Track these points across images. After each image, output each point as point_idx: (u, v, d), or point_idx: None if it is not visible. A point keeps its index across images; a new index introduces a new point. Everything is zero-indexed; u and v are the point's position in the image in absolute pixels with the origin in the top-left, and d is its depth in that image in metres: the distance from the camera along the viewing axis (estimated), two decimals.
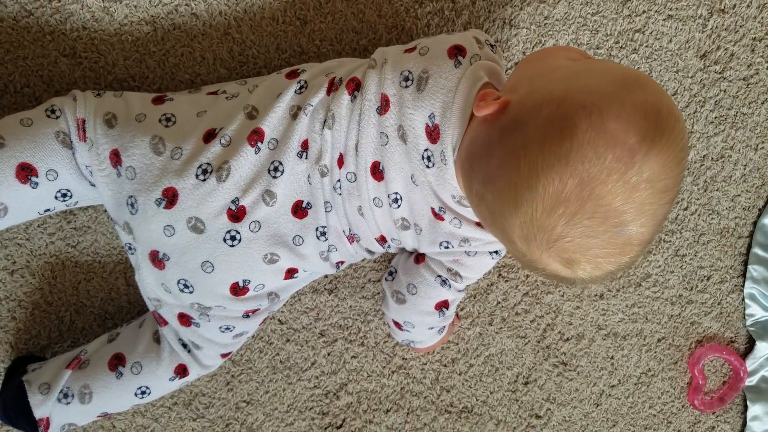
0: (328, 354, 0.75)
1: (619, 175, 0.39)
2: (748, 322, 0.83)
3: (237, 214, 0.53)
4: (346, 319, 0.75)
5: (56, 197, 0.56)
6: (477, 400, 0.79)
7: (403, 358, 0.77)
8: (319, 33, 0.67)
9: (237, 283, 0.56)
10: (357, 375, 0.76)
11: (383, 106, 0.53)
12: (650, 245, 0.49)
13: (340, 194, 0.55)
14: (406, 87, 0.52)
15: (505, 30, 0.70)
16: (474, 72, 0.50)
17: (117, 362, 0.60)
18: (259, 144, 0.53)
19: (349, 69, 0.56)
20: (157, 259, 0.56)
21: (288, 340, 0.74)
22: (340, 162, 0.55)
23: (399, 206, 0.55)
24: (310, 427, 0.76)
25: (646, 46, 0.73)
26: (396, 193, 0.54)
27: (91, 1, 0.63)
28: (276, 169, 0.54)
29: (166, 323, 0.61)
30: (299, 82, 0.55)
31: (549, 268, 0.44)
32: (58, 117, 0.55)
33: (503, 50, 0.71)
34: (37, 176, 0.54)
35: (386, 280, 0.66)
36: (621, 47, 0.73)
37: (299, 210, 0.55)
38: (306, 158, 0.54)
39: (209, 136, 0.54)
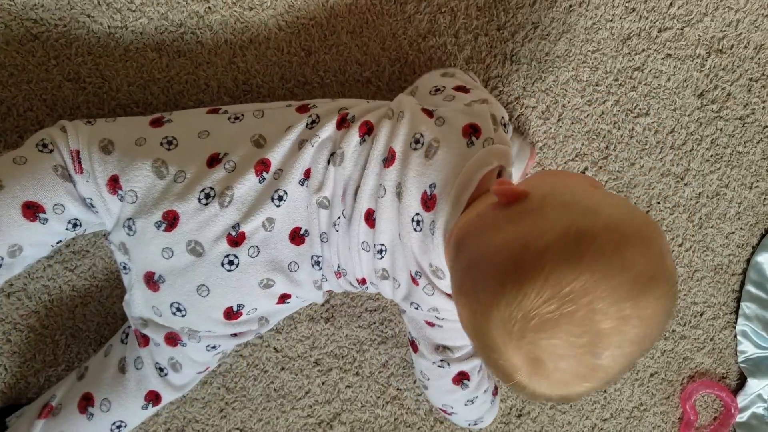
0: (323, 383, 0.75)
1: (620, 301, 0.38)
2: (740, 359, 0.84)
3: (236, 239, 0.53)
4: (341, 348, 0.75)
5: (67, 228, 0.55)
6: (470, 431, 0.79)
7: (397, 389, 0.77)
8: (323, 64, 0.67)
9: (231, 307, 0.56)
10: (351, 405, 0.76)
11: (389, 159, 0.53)
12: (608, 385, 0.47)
13: (338, 231, 0.56)
14: (415, 150, 0.52)
15: (506, 65, 0.71)
16: (485, 157, 0.50)
17: (86, 403, 0.59)
18: (264, 174, 0.54)
19: (363, 109, 0.57)
20: (151, 281, 0.55)
21: (283, 369, 0.74)
22: (342, 197, 0.55)
23: (382, 257, 0.55)
24: None
25: (645, 84, 0.74)
26: (382, 245, 0.55)
27: (96, 26, 0.64)
28: (280, 198, 0.54)
29: (146, 344, 0.60)
30: (311, 116, 0.56)
31: (510, 361, 0.40)
32: (51, 151, 0.54)
33: (504, 86, 0.72)
34: (44, 212, 0.53)
35: (421, 372, 0.66)
36: (620, 84, 0.74)
37: (297, 237, 0.55)
38: (306, 186, 0.54)
39: (213, 161, 0.53)
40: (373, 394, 0.76)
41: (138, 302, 0.57)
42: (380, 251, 0.55)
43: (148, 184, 0.53)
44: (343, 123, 0.55)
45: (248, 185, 0.53)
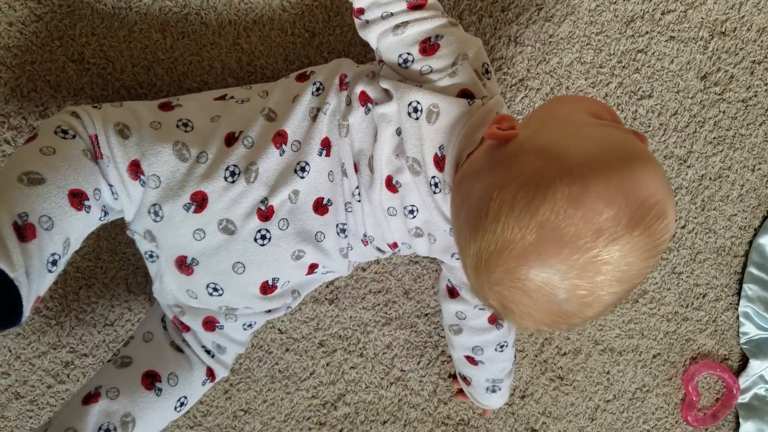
0: (327, 364, 0.75)
1: (572, 253, 0.39)
2: (742, 340, 0.84)
3: (266, 213, 0.54)
4: (345, 330, 0.75)
5: (100, 218, 0.53)
6: (474, 413, 0.79)
7: (401, 370, 0.77)
8: (327, 45, 0.67)
9: (267, 281, 0.57)
10: (355, 386, 0.76)
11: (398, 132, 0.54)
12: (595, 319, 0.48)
13: (359, 201, 0.56)
14: (416, 119, 0.52)
15: (510, 47, 0.71)
16: (485, 113, 0.51)
17: (152, 380, 0.57)
18: (283, 146, 0.54)
19: (358, 72, 0.57)
20: (184, 265, 0.55)
21: (287, 350, 0.74)
22: (355, 169, 0.56)
23: (414, 217, 0.56)
24: None
25: (648, 66, 0.74)
26: (413, 206, 0.56)
27: (101, 7, 0.63)
28: (303, 169, 0.54)
29: (188, 329, 0.60)
30: (315, 84, 0.56)
31: (490, 303, 0.44)
32: (74, 136, 0.51)
33: (508, 67, 0.72)
34: (88, 200, 0.50)
35: (444, 320, 0.68)
36: (624, 67, 0.74)
37: (320, 207, 0.56)
38: (327, 156, 0.55)
39: (230, 140, 0.53)
40: (377, 375, 0.76)
41: (170, 288, 0.57)
42: (411, 211, 0.56)
43: (171, 168, 0.52)
44: (342, 85, 0.55)
45: (271, 159, 0.53)
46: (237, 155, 0.53)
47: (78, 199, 0.49)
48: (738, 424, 0.86)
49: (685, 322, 0.82)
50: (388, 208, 0.56)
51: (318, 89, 0.56)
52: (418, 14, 0.53)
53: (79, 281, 0.69)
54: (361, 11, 0.54)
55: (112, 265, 0.69)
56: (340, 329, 0.75)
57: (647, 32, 0.74)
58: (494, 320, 0.64)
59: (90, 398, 0.55)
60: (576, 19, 0.72)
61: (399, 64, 0.54)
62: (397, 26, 0.53)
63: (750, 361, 0.84)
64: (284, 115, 0.55)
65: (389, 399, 0.77)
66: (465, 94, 0.52)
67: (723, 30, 0.75)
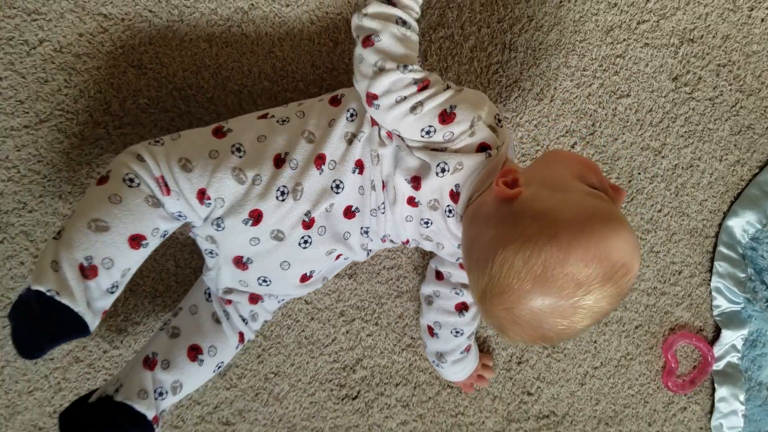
0: (347, 332, 0.85)
1: (557, 300, 0.50)
2: (715, 313, 0.93)
3: (309, 223, 0.64)
4: (363, 301, 0.85)
5: (159, 241, 0.64)
6: None
7: (411, 338, 0.87)
8: (348, 53, 0.78)
9: (305, 273, 0.68)
10: (371, 351, 0.86)
11: (416, 183, 0.64)
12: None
13: (383, 212, 0.66)
14: (442, 176, 0.61)
15: (505, 53, 0.82)
16: (497, 163, 0.61)
17: (195, 352, 0.68)
18: (323, 166, 0.62)
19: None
20: (240, 263, 0.65)
21: (312, 319, 0.84)
22: (383, 187, 0.65)
23: (428, 227, 0.66)
24: (329, 397, 0.86)
25: (626, 70, 0.85)
26: (428, 219, 0.65)
27: (157, 20, 0.74)
28: (338, 187, 0.63)
29: (230, 303, 0.71)
30: (348, 110, 0.64)
31: (489, 323, 0.56)
32: (139, 185, 0.60)
33: (503, 70, 0.82)
34: (146, 239, 0.60)
35: (422, 289, 0.80)
36: (604, 70, 0.84)
37: (349, 212, 0.66)
38: (360, 174, 0.64)
39: (279, 161, 0.62)
40: (390, 342, 0.86)
41: (225, 278, 0.67)
42: (426, 223, 0.66)
43: (232, 191, 0.61)
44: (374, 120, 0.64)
45: (313, 179, 0.62)
46: (285, 177, 0.61)
47: (137, 241, 0.60)
48: (714, 389, 0.94)
49: (663, 297, 0.92)
50: (407, 216, 0.66)
51: (352, 115, 0.64)
52: (428, 92, 0.60)
53: None
54: (375, 97, 0.60)
55: (161, 245, 0.79)
56: (357, 301, 0.85)
57: (625, 39, 0.84)
58: (460, 308, 0.76)
59: (148, 362, 0.66)
60: (562, 28, 0.82)
61: (422, 135, 0.61)
62: (414, 107, 0.59)
63: (722, 331, 0.92)
64: (323, 138, 0.63)
65: (401, 363, 0.87)
66: (483, 147, 0.61)
67: (691, 37, 0.86)
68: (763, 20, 0.86)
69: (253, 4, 0.75)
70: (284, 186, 0.62)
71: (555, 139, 0.85)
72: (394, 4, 0.60)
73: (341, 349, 0.85)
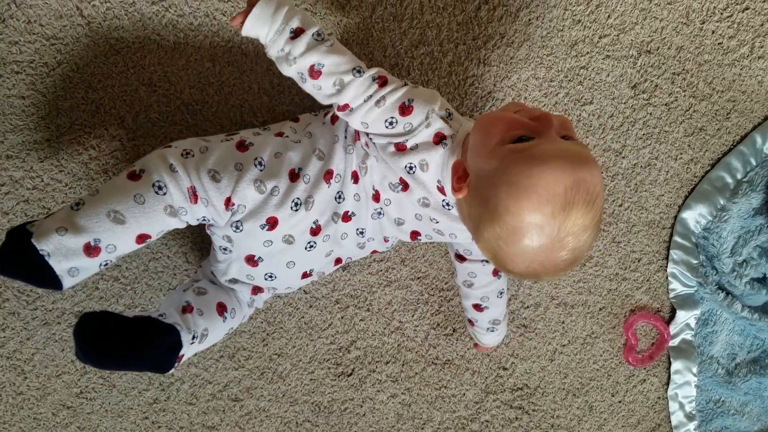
0: (342, 317, 0.95)
1: (544, 243, 0.56)
2: (671, 295, 1.02)
3: (316, 230, 0.72)
4: (356, 290, 0.95)
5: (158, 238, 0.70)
6: (457, 354, 0.99)
7: (399, 321, 0.97)
8: None
9: (306, 271, 0.77)
10: (364, 334, 0.96)
11: (402, 184, 0.71)
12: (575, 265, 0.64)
13: (380, 216, 0.75)
14: (414, 174, 0.69)
15: (480, 67, 0.90)
16: (454, 148, 0.67)
17: (221, 309, 0.75)
18: (331, 180, 0.71)
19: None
20: (252, 260, 0.73)
21: (311, 306, 0.94)
22: (375, 197, 0.73)
23: (438, 223, 0.73)
24: (326, 375, 0.96)
25: (589, 80, 0.93)
26: (434, 217, 0.73)
27: (164, 42, 0.82)
28: (340, 197, 0.72)
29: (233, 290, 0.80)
30: (345, 126, 0.73)
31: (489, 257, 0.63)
32: (165, 194, 0.65)
33: (478, 83, 0.91)
34: (150, 238, 0.67)
35: (456, 280, 0.87)
36: (569, 80, 0.93)
37: (346, 217, 0.74)
38: (355, 183, 0.73)
39: (293, 176, 0.70)
40: (381, 326, 0.96)
41: (233, 271, 0.75)
42: (433, 219, 0.73)
43: (253, 199, 0.68)
44: (357, 135, 0.72)
45: (323, 192, 0.70)
46: (299, 190, 0.69)
47: (142, 239, 0.67)
48: (670, 363, 1.04)
49: (624, 282, 1.02)
50: (416, 214, 0.73)
51: (346, 129, 0.73)
52: (389, 88, 0.67)
53: (149, 255, 0.88)
54: (347, 106, 0.68)
55: (174, 242, 0.88)
56: (351, 290, 0.95)
57: (588, 52, 0.93)
58: (496, 273, 0.84)
59: (185, 309, 0.72)
60: (531, 43, 0.91)
61: (386, 126, 0.68)
62: (378, 101, 0.67)
63: (677, 312, 1.02)
64: (330, 155, 0.71)
65: (390, 344, 0.97)
66: (440, 136, 0.68)
67: (648, 49, 0.94)
68: (713, 32, 0.94)
69: None
70: (298, 198, 0.70)
71: None
72: (300, 33, 0.66)
73: (337, 332, 0.95)
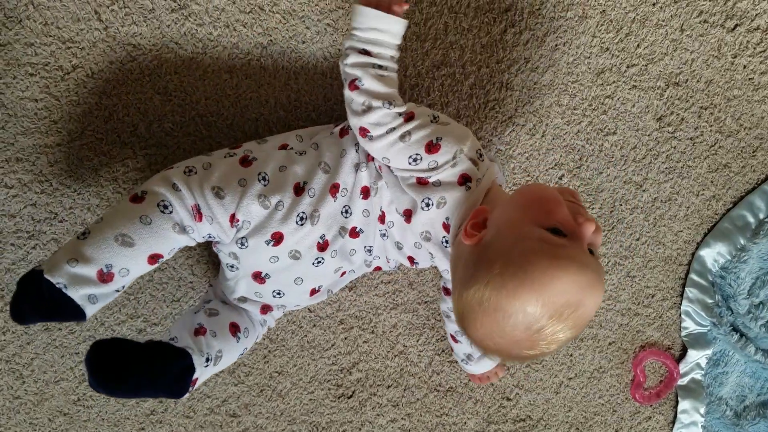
0: (345, 338, 0.94)
1: (514, 335, 0.56)
2: (683, 333, 1.00)
3: (323, 245, 0.71)
4: (361, 311, 0.93)
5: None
6: (460, 382, 0.97)
7: (404, 346, 0.95)
8: None
9: (314, 288, 0.76)
10: (366, 356, 0.94)
11: (407, 217, 0.70)
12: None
13: (387, 237, 0.74)
14: (428, 210, 0.67)
15: (502, 91, 0.88)
16: (478, 196, 0.66)
17: (235, 329, 0.74)
18: (337, 194, 0.69)
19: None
20: (259, 277, 0.72)
21: (314, 325, 0.92)
22: (381, 218, 0.72)
23: (433, 258, 0.73)
24: (326, 395, 0.95)
25: (614, 109, 0.91)
26: (431, 253, 0.72)
27: (182, 52, 0.80)
28: (347, 211, 0.71)
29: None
30: (356, 141, 0.71)
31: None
32: (171, 212, 0.65)
33: (500, 107, 0.89)
34: (162, 257, 0.67)
35: (440, 306, 0.87)
36: (593, 109, 0.91)
37: (354, 233, 0.73)
38: (364, 199, 0.71)
39: (298, 189, 0.69)
40: (384, 349, 0.95)
41: (241, 289, 0.74)
42: (431, 254, 0.72)
43: (258, 214, 0.67)
44: (369, 156, 0.70)
45: (328, 206, 0.69)
46: (304, 204, 0.68)
47: (155, 259, 0.67)
48: (677, 402, 1.02)
49: (636, 317, 1.00)
50: (415, 243, 0.72)
51: (357, 144, 0.71)
52: (414, 123, 0.66)
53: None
54: (367, 130, 0.67)
55: (180, 254, 0.87)
56: (356, 311, 0.93)
57: (614, 81, 0.90)
58: None
59: (198, 331, 0.71)
60: (556, 70, 0.88)
61: (409, 162, 0.67)
62: (403, 136, 0.66)
63: (689, 350, 1.00)
64: (336, 168, 0.70)
65: (393, 368, 0.95)
66: (464, 177, 0.66)
67: (677, 81, 0.91)
68: (745, 67, 0.92)
69: (272, 40, 0.81)
70: (303, 212, 0.69)
71: (544, 171, 0.92)
72: (368, 53, 0.67)
73: (339, 353, 0.94)
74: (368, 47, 0.67)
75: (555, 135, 0.90)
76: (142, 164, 0.82)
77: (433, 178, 0.67)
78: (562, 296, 0.54)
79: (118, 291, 0.67)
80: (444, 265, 0.73)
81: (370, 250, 0.75)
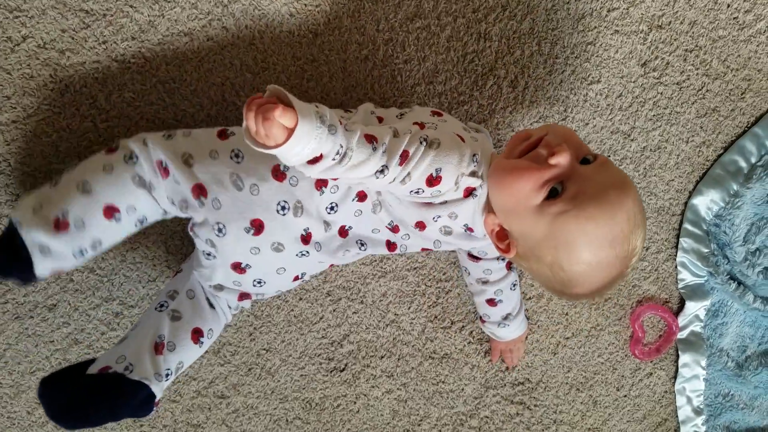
0: (334, 310, 0.90)
1: (606, 259, 0.61)
2: (680, 286, 0.99)
3: (307, 238, 0.68)
4: (348, 281, 0.90)
5: (135, 225, 0.68)
6: (455, 348, 0.95)
7: (395, 314, 0.92)
8: (327, 44, 0.80)
9: (297, 275, 0.74)
10: (357, 327, 0.91)
11: (421, 227, 0.70)
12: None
13: (409, 238, 0.72)
14: (437, 221, 0.68)
15: (480, 42, 0.84)
16: (485, 196, 0.66)
17: (197, 335, 0.71)
18: (323, 188, 0.65)
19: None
20: (239, 268, 0.69)
21: (301, 299, 0.89)
22: (396, 229, 0.70)
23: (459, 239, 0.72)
24: (318, 370, 0.92)
25: (597, 56, 0.88)
26: (453, 243, 0.73)
27: (138, 15, 0.76)
28: (332, 209, 0.67)
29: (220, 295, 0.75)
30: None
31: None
32: (135, 162, 0.65)
33: (479, 59, 0.85)
34: (119, 212, 0.65)
35: (467, 278, 0.86)
36: (576, 57, 0.87)
37: (343, 231, 0.71)
38: (360, 201, 0.68)
39: (278, 174, 0.64)
40: (375, 319, 0.91)
41: (219, 277, 0.70)
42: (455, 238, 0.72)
43: (230, 195, 0.64)
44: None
45: (312, 199, 0.65)
46: (286, 192, 0.64)
47: (111, 211, 0.65)
48: (677, 356, 1.01)
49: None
50: (434, 241, 0.72)
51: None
52: (412, 163, 0.60)
53: (126, 245, 0.82)
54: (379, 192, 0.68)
55: (153, 230, 0.82)
56: (344, 281, 0.90)
57: (595, 27, 0.87)
58: (509, 266, 0.83)
59: (157, 348, 0.68)
60: (535, 17, 0.85)
61: (410, 193, 0.64)
62: (403, 180, 0.61)
63: (687, 303, 0.98)
64: None
65: (385, 338, 0.92)
66: (469, 190, 0.65)
67: (660, 24, 0.89)
68: (728, 6, 0.89)
69: None
70: (285, 201, 0.65)
71: (528, 124, 0.88)
72: (317, 159, 0.56)
73: (329, 326, 0.91)
74: (308, 164, 0.57)
75: (537, 86, 0.87)
76: (105, 137, 0.78)
77: (438, 200, 0.66)
78: (612, 231, 0.58)
79: (75, 256, 0.64)
80: (472, 245, 0.73)
81: (363, 243, 0.73)
